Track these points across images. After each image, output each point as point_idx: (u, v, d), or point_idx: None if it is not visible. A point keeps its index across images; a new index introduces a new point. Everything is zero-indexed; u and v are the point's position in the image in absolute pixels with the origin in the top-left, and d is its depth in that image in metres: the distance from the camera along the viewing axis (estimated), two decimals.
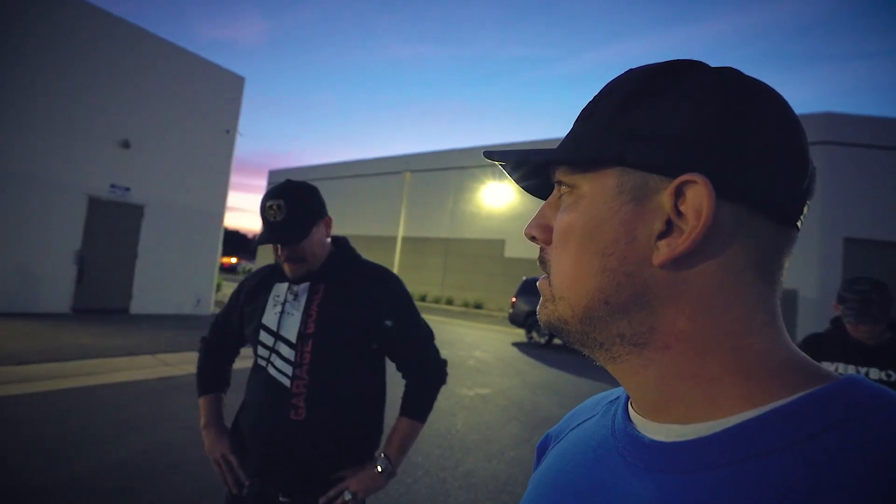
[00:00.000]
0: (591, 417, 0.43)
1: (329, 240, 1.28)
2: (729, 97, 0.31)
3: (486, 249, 20.07)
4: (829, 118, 12.18)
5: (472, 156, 20.93)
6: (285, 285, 1.25)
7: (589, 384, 6.61)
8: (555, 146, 0.37)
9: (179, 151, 9.78)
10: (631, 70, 0.36)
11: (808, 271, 11.47)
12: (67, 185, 8.20)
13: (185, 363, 5.64)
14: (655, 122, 0.32)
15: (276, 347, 1.20)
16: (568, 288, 0.35)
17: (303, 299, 1.21)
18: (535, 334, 10.53)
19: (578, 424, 0.44)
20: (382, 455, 1.20)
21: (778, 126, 0.31)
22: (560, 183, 0.37)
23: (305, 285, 1.23)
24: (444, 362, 1.32)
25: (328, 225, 1.26)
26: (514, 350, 9.47)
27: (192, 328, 8.23)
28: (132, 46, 9.01)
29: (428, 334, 1.31)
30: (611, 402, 0.42)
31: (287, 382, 1.16)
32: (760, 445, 0.27)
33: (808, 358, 0.31)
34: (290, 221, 1.17)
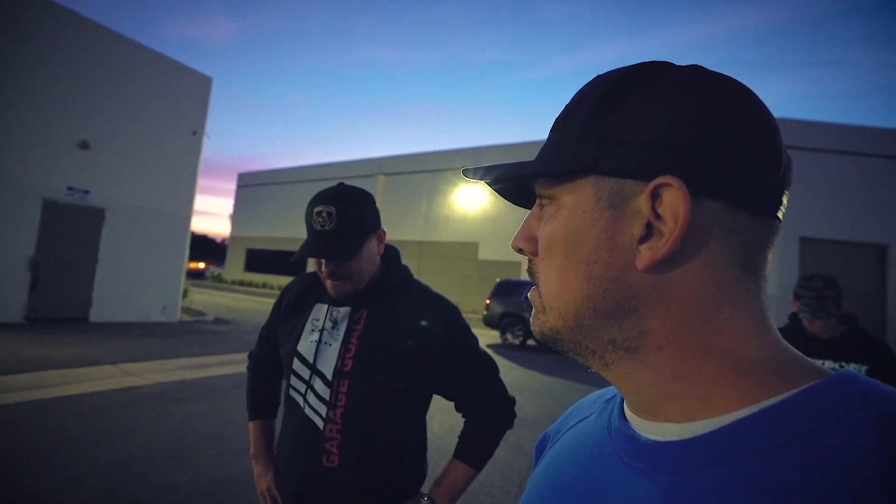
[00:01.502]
0: (587, 417, 0.43)
1: (379, 255, 1.14)
2: (696, 95, 0.31)
3: (460, 252, 20.13)
4: (784, 123, 12.79)
5: (445, 159, 20.98)
6: (325, 308, 1.12)
7: (563, 384, 6.71)
8: (528, 150, 0.37)
9: (143, 153, 9.40)
10: (599, 76, 0.36)
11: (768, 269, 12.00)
12: (20, 186, 7.77)
13: (150, 372, 5.43)
14: (626, 127, 0.32)
15: (311, 382, 1.07)
16: (556, 298, 0.35)
17: (342, 328, 1.08)
18: (509, 335, 10.61)
19: (575, 424, 0.44)
20: (427, 498, 1.08)
21: (748, 119, 0.31)
22: (541, 195, 0.37)
23: (346, 311, 1.10)
24: (512, 401, 1.16)
25: (381, 239, 1.13)
26: (489, 351, 9.51)
27: (157, 336, 7.93)
28: (92, 43, 8.62)
29: (489, 369, 1.15)
30: (606, 401, 0.42)
31: (320, 424, 1.05)
32: (756, 444, 0.27)
33: (798, 352, 0.32)
34: (339, 233, 1.03)
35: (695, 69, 0.33)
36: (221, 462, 3.19)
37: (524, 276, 15.32)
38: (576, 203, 0.34)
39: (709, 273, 0.31)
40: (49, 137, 8.09)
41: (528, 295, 0.39)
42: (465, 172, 0.40)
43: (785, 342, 0.32)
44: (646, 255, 0.31)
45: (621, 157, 0.32)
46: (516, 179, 0.38)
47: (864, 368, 1.72)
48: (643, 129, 0.31)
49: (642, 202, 0.31)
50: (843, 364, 1.75)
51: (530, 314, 0.39)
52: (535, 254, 0.37)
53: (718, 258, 0.31)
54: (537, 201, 0.38)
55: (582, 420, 0.43)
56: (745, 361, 0.30)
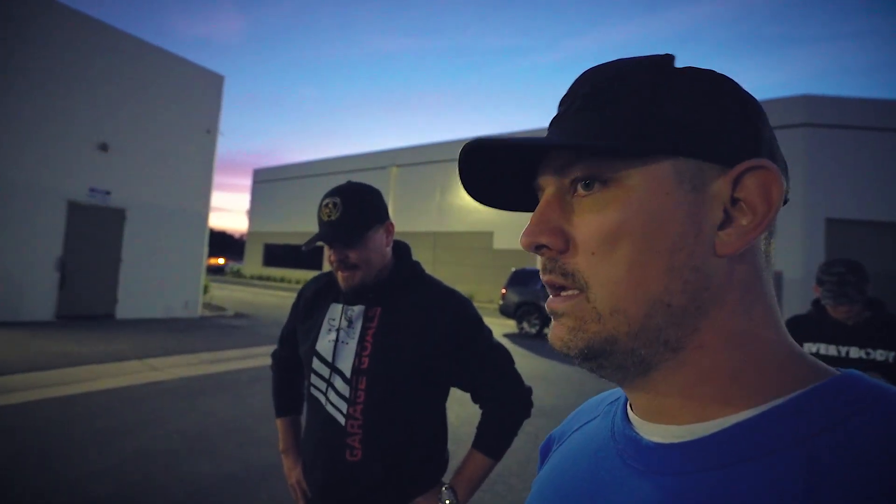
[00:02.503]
0: (592, 419, 0.43)
1: (389, 248, 1.17)
2: (734, 88, 0.32)
3: (475, 242, 20.09)
4: (808, 100, 12.35)
5: (457, 148, 20.80)
6: (340, 307, 1.15)
7: (580, 372, 6.68)
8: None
9: (160, 153, 9.59)
10: (627, 60, 0.34)
11: (792, 253, 11.68)
12: (46, 189, 8.01)
13: (174, 367, 5.58)
14: (695, 112, 0.31)
15: (331, 380, 1.11)
16: (625, 298, 0.30)
17: (357, 326, 1.11)
18: (525, 324, 10.59)
19: (581, 426, 0.44)
20: (448, 488, 1.09)
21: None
22: (582, 179, 0.32)
23: (361, 310, 1.12)
24: (528, 391, 1.16)
25: (389, 231, 1.15)
26: (506, 341, 9.52)
27: (180, 331, 8.14)
28: (107, 47, 8.78)
29: (504, 359, 1.15)
30: (611, 403, 0.42)
31: (342, 420, 1.08)
32: (757, 447, 0.27)
33: (800, 348, 0.32)
34: (344, 222, 1.07)
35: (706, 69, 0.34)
36: (242, 453, 3.27)
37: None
38: (653, 185, 0.30)
39: (758, 261, 0.31)
40: (70, 141, 8.30)
41: (554, 305, 0.33)
42: (469, 148, 0.34)
43: (788, 333, 0.32)
44: (733, 240, 0.30)
45: (707, 140, 0.31)
46: (522, 162, 0.36)
47: (891, 355, 1.66)
48: (712, 115, 0.31)
49: (723, 186, 0.30)
50: (870, 351, 1.69)
51: (546, 303, 0.35)
52: (564, 250, 0.33)
53: (762, 246, 0.32)
54: (550, 190, 0.34)
55: (587, 422, 0.43)
56: (765, 357, 0.30)
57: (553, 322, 0.34)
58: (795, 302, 10.73)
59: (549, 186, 0.34)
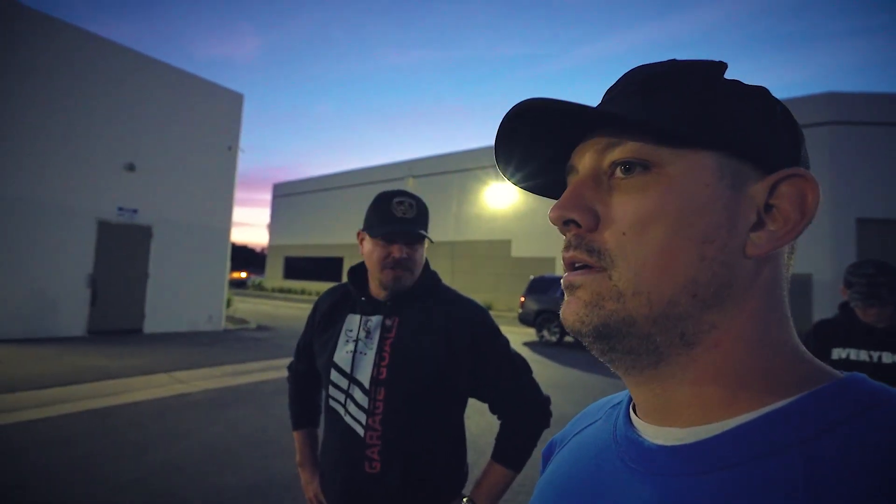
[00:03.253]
0: (594, 422, 0.43)
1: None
2: (783, 107, 0.34)
3: (493, 250, 20.03)
4: (832, 98, 12.02)
5: (473, 157, 20.93)
6: (357, 318, 1.16)
7: (601, 380, 6.56)
8: None
9: (183, 171, 9.89)
10: (681, 60, 0.35)
11: (822, 255, 11.30)
12: (77, 209, 8.34)
13: (199, 380, 5.70)
14: (745, 116, 0.32)
15: (350, 392, 1.11)
16: (650, 280, 0.30)
17: (375, 337, 1.12)
18: (545, 333, 10.48)
19: (582, 430, 0.44)
20: (469, 500, 1.09)
21: None
22: (622, 163, 0.32)
23: (378, 320, 1.13)
24: (546, 400, 1.16)
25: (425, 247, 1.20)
26: (526, 349, 9.43)
27: (204, 345, 8.30)
28: (132, 71, 9.14)
29: (521, 369, 1.16)
30: (613, 406, 0.42)
31: (361, 432, 1.08)
32: (758, 448, 0.27)
33: (808, 351, 0.32)
34: (417, 222, 1.12)
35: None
36: (266, 465, 3.30)
37: (559, 272, 15.05)
38: (695, 175, 0.31)
39: (780, 268, 0.32)
40: (99, 162, 8.64)
41: (572, 278, 0.33)
42: (521, 107, 0.32)
43: (798, 339, 0.32)
44: (763, 242, 0.30)
45: (749, 141, 0.31)
46: (558, 147, 0.36)
47: None
48: (759, 121, 0.32)
49: (760, 190, 0.31)
50: None
51: (562, 278, 0.34)
52: (593, 228, 0.32)
53: (785, 256, 0.33)
54: (588, 171, 0.34)
55: (588, 426, 0.43)
56: (775, 361, 0.30)
57: (567, 297, 0.34)
58: (825, 305, 10.35)
59: (584, 167, 0.34)
